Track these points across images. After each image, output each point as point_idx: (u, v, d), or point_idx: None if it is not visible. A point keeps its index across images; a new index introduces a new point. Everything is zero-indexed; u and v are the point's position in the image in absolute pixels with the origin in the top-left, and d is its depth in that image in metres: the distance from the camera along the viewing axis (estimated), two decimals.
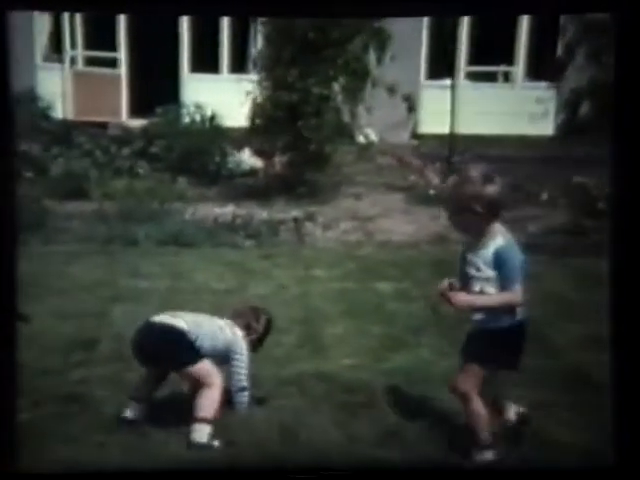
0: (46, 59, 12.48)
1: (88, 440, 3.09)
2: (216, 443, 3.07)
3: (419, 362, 3.99)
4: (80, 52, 12.43)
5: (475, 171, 2.83)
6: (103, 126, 11.36)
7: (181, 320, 3.21)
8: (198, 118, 10.79)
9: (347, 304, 5.07)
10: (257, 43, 10.38)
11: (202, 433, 3.06)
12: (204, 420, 3.08)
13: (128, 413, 3.24)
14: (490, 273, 2.81)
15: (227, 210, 8.07)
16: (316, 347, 4.25)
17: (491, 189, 2.78)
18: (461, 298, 2.83)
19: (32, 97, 11.08)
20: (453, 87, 10.32)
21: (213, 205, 8.38)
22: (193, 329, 3.18)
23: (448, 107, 10.10)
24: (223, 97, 10.28)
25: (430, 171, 10.01)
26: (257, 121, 9.17)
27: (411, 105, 9.92)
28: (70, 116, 11.86)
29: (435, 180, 9.48)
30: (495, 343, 2.87)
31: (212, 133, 10.40)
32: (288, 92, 8.66)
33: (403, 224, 7.74)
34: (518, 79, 13.04)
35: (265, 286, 5.53)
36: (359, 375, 3.81)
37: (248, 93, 9.04)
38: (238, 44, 12.51)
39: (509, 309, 2.85)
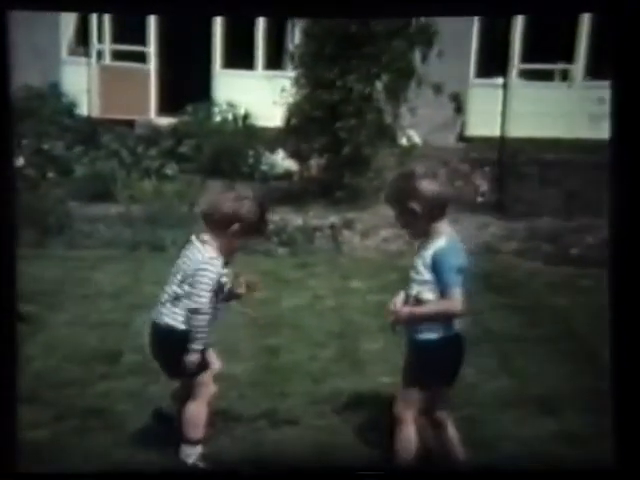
0: (72, 53, 12.69)
1: (109, 457, 3.13)
2: (201, 464, 3.06)
3: (463, 383, 3.96)
4: (108, 46, 12.62)
5: (418, 168, 2.83)
6: (130, 124, 11.52)
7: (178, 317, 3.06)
8: (230, 117, 10.90)
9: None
10: (295, 38, 10.44)
11: (191, 454, 3.06)
12: (193, 441, 3.07)
13: (164, 410, 3.30)
14: (427, 276, 2.77)
15: None
16: (353, 363, 4.25)
17: (429, 186, 2.75)
18: (402, 310, 2.80)
19: (56, 93, 11.29)
20: (505, 86, 10.22)
21: None
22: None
23: (499, 108, 10.00)
24: (257, 95, 10.37)
25: (478, 177, 9.94)
26: (293, 121, 9.21)
27: (458, 105, 9.87)
28: (96, 113, 12.05)
29: (483, 187, 9.42)
30: (428, 357, 2.83)
31: (245, 133, 10.48)
32: (327, 90, 8.70)
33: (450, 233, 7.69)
34: (577, 78, 12.90)
35: (300, 297, 5.55)
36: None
37: (284, 91, 9.09)
38: (274, 39, 12.59)
39: (446, 319, 2.80)
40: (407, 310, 2.80)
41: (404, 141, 9.77)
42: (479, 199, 8.78)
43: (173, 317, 3.04)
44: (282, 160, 10.07)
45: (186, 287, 2.99)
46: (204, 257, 2.97)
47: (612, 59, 2.36)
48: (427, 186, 2.76)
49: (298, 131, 9.22)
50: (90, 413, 3.51)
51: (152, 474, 3.04)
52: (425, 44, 8.80)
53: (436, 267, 2.76)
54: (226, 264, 3.03)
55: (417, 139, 10.27)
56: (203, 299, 2.95)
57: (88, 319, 4.81)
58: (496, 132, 9.95)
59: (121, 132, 10.51)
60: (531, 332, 4.81)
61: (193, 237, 3.06)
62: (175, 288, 3.03)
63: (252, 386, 3.91)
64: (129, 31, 12.39)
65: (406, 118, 9.20)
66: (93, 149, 9.83)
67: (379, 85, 9.00)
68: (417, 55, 8.88)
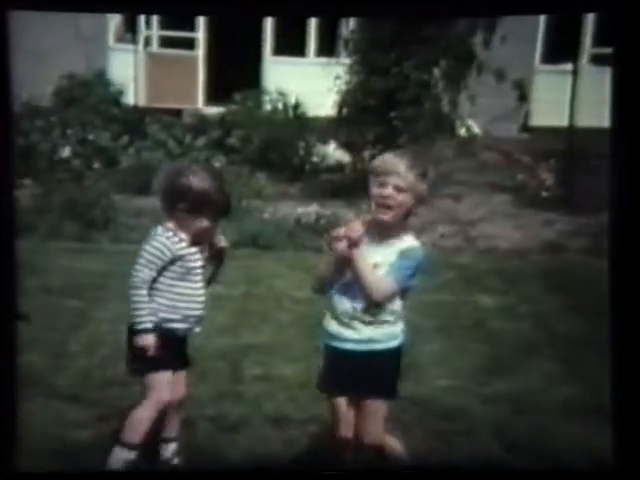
0: (119, 39, 12.86)
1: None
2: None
3: (527, 389, 3.91)
4: (155, 32, 12.75)
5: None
6: (177, 113, 11.63)
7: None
8: (280, 106, 10.91)
9: (443, 319, 5.01)
10: (349, 23, 10.42)
11: (120, 458, 2.95)
12: (127, 445, 2.97)
13: None
14: (392, 257, 2.75)
15: (310, 209, 8.12)
16: (408, 366, 4.20)
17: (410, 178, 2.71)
18: (357, 229, 2.73)
19: (103, 81, 11.44)
20: (575, 72, 10.02)
21: (295, 204, 8.45)
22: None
23: (567, 96, 9.83)
24: (309, 83, 10.36)
25: (542, 170, 9.78)
26: (346, 110, 9.20)
27: (522, 93, 9.74)
28: (142, 102, 12.18)
29: (549, 180, 9.27)
30: (380, 369, 2.82)
31: (295, 123, 10.49)
32: (382, 78, 8.66)
33: (509, 230, 7.60)
34: None
35: None
36: (456, 400, 3.76)
37: (337, 79, 9.08)
38: (327, 24, 12.58)
39: (393, 333, 2.82)
40: (348, 247, 2.71)
41: (463, 131, 9.68)
42: (544, 193, 8.63)
43: None
44: (334, 151, 10.06)
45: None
46: (155, 232, 2.95)
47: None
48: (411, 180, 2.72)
49: (351, 121, 9.21)
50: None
51: (157, 474, 3.05)
52: (487, 28, 8.69)
53: (401, 259, 2.76)
54: (196, 245, 2.96)
55: (477, 129, 10.17)
56: (140, 273, 2.90)
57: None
58: (563, 122, 9.77)
59: (168, 122, 10.62)
60: (600, 336, 4.71)
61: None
62: None
63: (302, 388, 3.89)
64: (177, 17, 12.49)
65: (465, 107, 9.12)
66: (139, 139, 9.96)
67: (437, 72, 8.93)
68: (478, 39, 8.77)
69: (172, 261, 2.90)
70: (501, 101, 10.17)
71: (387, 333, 2.84)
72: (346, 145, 9.65)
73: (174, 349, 3.01)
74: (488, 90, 8.92)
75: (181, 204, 2.89)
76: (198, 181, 2.89)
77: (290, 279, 5.92)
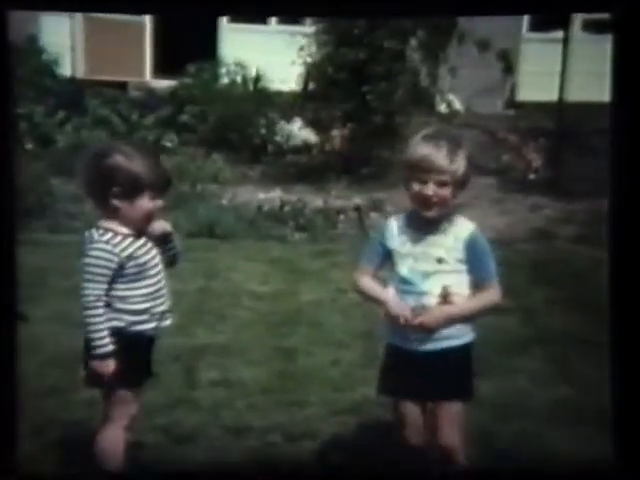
0: None
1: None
2: None
3: (514, 391, 3.96)
4: None
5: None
6: (122, 87, 11.56)
7: None
8: (239, 79, 10.90)
9: None
10: None
11: None
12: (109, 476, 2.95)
13: None
14: (460, 266, 2.75)
15: (273, 195, 8.13)
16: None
17: (466, 159, 2.74)
18: (434, 315, 2.73)
19: (34, 49, 11.29)
20: (565, 41, 10.12)
21: (256, 188, 8.46)
22: None
23: (557, 67, 9.92)
24: (271, 54, 10.36)
25: (530, 150, 9.89)
26: (312, 84, 9.21)
27: (508, 65, 9.84)
28: (81, 73, 12.09)
29: (537, 161, 9.38)
30: (454, 368, 2.83)
31: (256, 98, 10.49)
32: (353, 48, 8.67)
33: (494, 216, 7.67)
34: None
35: (319, 290, 5.57)
36: None
37: (302, 49, 9.08)
38: None
39: (464, 327, 2.80)
40: (442, 313, 2.75)
41: (443, 107, 9.74)
42: (531, 176, 8.73)
43: None
44: (299, 130, 10.07)
45: None
46: (90, 238, 2.84)
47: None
48: (466, 158, 2.74)
49: (318, 96, 9.23)
50: (74, 426, 3.52)
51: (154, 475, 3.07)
52: None
53: (474, 254, 2.76)
54: (138, 236, 2.87)
55: (458, 105, 10.25)
56: (88, 291, 2.80)
57: (74, 315, 4.81)
58: (553, 96, 9.88)
59: (111, 96, 10.56)
60: (594, 332, 4.77)
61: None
62: None
63: (264, 394, 3.92)
64: None
65: (445, 80, 9.18)
66: (78, 115, 9.90)
67: (413, 41, 8.97)
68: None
69: (121, 265, 2.82)
70: (485, 73, 10.26)
71: (458, 328, 2.81)
72: (313, 123, 9.66)
73: (140, 355, 2.96)
74: (470, 62, 9.00)
75: (114, 189, 2.78)
76: (127, 159, 2.79)
77: (251, 273, 5.93)
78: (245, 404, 3.82)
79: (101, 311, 2.81)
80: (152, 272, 2.90)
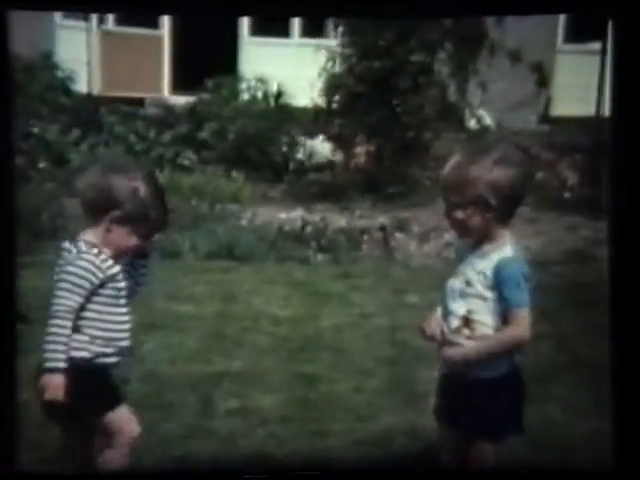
0: (68, 16, 12.83)
1: None
2: None
3: (547, 422, 3.93)
4: None
5: (496, 149, 2.71)
6: (139, 103, 11.65)
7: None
8: (260, 95, 10.96)
9: None
10: None
11: None
12: None
13: None
14: (485, 293, 2.70)
15: (295, 215, 8.15)
16: (407, 396, 4.24)
17: (507, 174, 2.65)
18: (452, 353, 2.73)
19: (49, 64, 11.41)
20: (603, 52, 10.09)
21: (277, 208, 8.48)
22: None
23: (594, 80, 9.91)
24: (293, 68, 10.41)
25: (565, 167, 9.86)
26: (336, 99, 9.24)
27: (542, 77, 9.80)
28: (97, 90, 12.21)
29: (572, 179, 9.34)
30: (491, 400, 2.75)
31: (277, 114, 10.53)
32: (378, 60, 8.69)
33: (528, 236, 7.64)
34: None
35: (342, 314, 5.55)
36: None
37: (327, 62, 9.12)
38: None
39: (509, 351, 2.75)
40: (460, 352, 2.73)
41: (473, 123, 9.73)
42: (567, 194, 8.68)
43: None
44: (322, 147, 10.10)
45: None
46: (75, 248, 2.87)
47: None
48: (505, 174, 2.65)
49: (342, 111, 9.24)
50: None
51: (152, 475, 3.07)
52: None
53: (500, 281, 2.69)
54: (116, 259, 2.89)
55: (489, 120, 10.23)
56: (63, 300, 2.79)
57: None
58: (590, 111, 9.85)
59: (128, 113, 10.64)
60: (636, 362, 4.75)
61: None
62: None
63: (283, 423, 3.91)
64: None
65: (476, 94, 9.17)
66: (94, 133, 9.97)
67: (442, 54, 8.98)
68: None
69: (102, 284, 2.83)
70: (517, 87, 10.24)
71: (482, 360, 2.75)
72: (336, 139, 9.68)
73: (101, 385, 2.94)
74: (502, 75, 8.98)
75: (116, 212, 2.83)
76: (143, 188, 2.84)
77: (271, 296, 5.94)
78: (265, 434, 3.82)
79: (69, 324, 2.80)
80: (123, 302, 2.92)
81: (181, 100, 11.48)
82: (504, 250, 2.72)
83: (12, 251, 2.64)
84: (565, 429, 3.88)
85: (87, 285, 2.80)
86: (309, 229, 7.56)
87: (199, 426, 3.89)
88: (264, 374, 4.52)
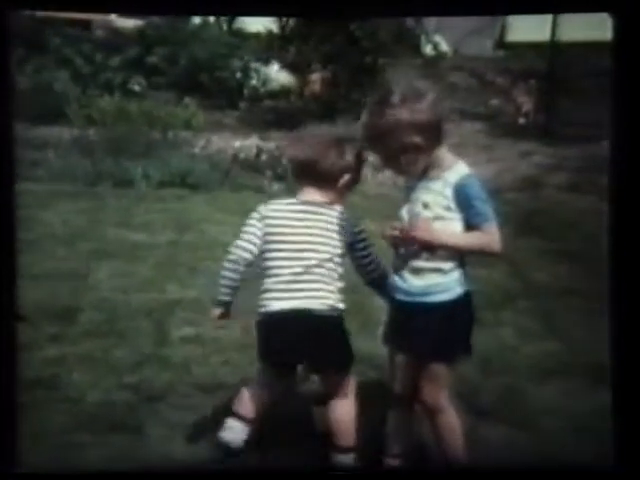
0: None
1: (65, 441, 3.16)
2: None
3: (498, 346, 4.00)
4: None
5: (397, 90, 2.70)
6: (86, 25, 11.39)
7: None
8: (212, 18, 10.79)
9: None
10: None
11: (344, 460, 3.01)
12: (344, 449, 3.01)
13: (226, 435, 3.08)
14: (444, 213, 2.71)
15: (250, 143, 8.10)
16: (365, 321, 4.25)
17: (421, 108, 2.65)
18: (425, 228, 2.71)
19: None
20: None
21: (231, 136, 8.42)
22: None
23: None
24: None
25: (520, 93, 9.88)
26: (290, 24, 9.13)
27: None
28: (41, 9, 11.89)
29: (527, 105, 9.37)
30: (446, 322, 2.79)
31: (231, 39, 10.39)
32: None
33: (482, 163, 7.67)
34: None
35: None
36: None
37: None
38: None
39: (444, 283, 2.76)
40: (432, 232, 2.71)
41: (428, 49, 9.69)
42: (521, 120, 8.72)
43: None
44: (277, 73, 10.00)
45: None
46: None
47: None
48: (419, 109, 2.64)
49: (296, 37, 9.14)
50: (39, 384, 3.53)
51: (150, 474, 3.08)
52: None
53: (463, 199, 2.69)
54: None
55: (445, 46, 10.20)
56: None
57: (35, 269, 4.82)
58: (545, 36, 9.84)
59: (74, 35, 10.39)
60: (584, 285, 4.82)
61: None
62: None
63: (238, 350, 3.91)
64: None
65: (431, 20, 9.11)
66: (38, 55, 9.75)
67: None
68: None
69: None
70: None
71: (435, 284, 2.76)
72: (291, 65, 9.59)
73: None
74: None
75: (345, 178, 3.02)
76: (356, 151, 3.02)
77: (225, 224, 5.91)
78: (219, 361, 3.83)
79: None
80: None
81: (130, 23, 11.25)
82: (459, 168, 2.73)
83: (12, 251, 2.65)
84: (514, 352, 3.96)
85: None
86: (264, 157, 7.52)
87: (153, 354, 3.89)
88: None
